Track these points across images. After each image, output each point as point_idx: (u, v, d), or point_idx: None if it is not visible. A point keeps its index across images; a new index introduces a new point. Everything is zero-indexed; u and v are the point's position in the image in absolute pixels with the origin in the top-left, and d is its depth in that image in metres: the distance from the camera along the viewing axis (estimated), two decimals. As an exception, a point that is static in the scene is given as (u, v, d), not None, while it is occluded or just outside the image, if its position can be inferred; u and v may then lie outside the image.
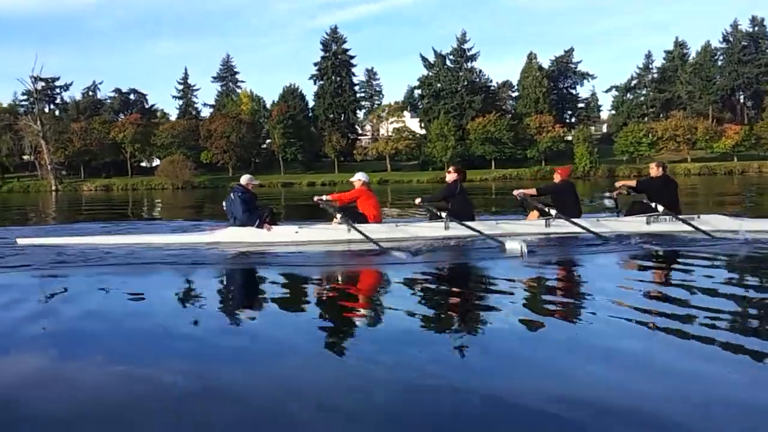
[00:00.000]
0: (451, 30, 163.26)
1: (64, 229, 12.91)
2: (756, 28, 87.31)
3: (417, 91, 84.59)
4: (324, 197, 9.37)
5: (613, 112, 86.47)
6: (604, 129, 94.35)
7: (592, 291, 5.56)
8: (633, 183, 10.17)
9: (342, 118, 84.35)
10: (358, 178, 9.85)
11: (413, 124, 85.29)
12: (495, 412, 2.87)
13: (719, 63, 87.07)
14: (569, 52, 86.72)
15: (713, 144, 74.02)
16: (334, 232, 9.12)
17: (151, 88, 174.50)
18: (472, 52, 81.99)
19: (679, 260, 7.28)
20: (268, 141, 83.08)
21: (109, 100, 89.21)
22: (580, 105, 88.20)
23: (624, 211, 9.88)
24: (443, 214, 9.14)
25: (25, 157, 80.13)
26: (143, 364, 3.60)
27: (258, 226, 9.17)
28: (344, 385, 3.22)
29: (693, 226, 8.82)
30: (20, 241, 9.24)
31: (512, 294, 5.39)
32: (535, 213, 9.84)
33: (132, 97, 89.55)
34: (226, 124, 74.60)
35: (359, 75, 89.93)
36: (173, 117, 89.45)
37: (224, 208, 9.65)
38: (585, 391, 3.08)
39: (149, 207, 28.43)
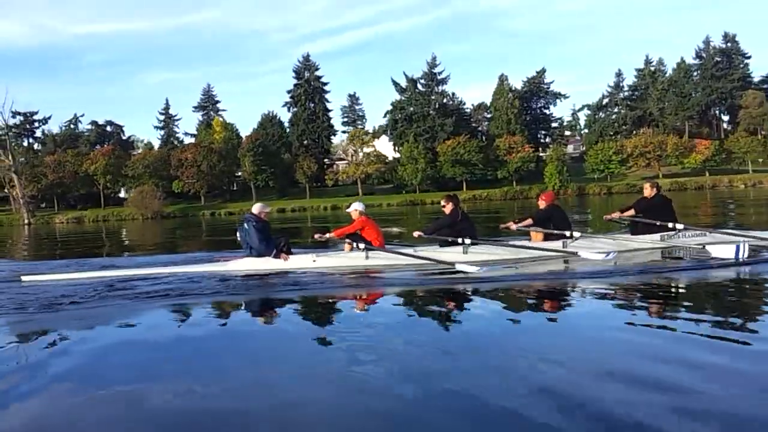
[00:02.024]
0: (442, 52, 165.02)
1: (68, 263, 12.22)
2: (728, 44, 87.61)
3: (389, 115, 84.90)
4: (327, 235, 9.21)
5: (586, 130, 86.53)
6: (583, 148, 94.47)
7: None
8: (632, 212, 9.83)
9: (316, 145, 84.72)
10: (355, 208, 9.53)
11: (391, 147, 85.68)
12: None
13: (695, 79, 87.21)
14: (541, 73, 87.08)
15: (683, 160, 73.82)
16: (352, 260, 8.78)
17: (136, 119, 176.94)
18: (443, 75, 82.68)
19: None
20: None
21: (87, 133, 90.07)
22: (554, 125, 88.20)
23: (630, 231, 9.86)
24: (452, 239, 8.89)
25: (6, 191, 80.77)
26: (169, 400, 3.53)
27: (275, 256, 8.92)
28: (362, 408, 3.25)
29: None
30: (25, 279, 8.88)
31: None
32: (538, 234, 9.59)
33: (108, 129, 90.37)
34: (197, 153, 75.07)
35: (341, 100, 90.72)
36: (157, 147, 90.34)
37: (238, 239, 9.34)
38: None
39: (122, 238, 28.09)
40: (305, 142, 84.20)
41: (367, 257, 8.68)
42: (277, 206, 72.67)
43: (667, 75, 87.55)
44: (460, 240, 8.73)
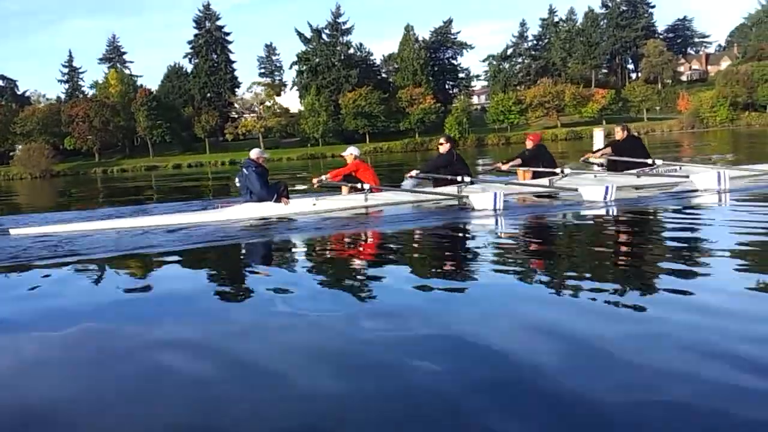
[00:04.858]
0: (367, 3, 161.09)
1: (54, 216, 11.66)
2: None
3: (295, 67, 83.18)
4: (323, 177, 9.39)
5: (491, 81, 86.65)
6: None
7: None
8: (609, 150, 10.24)
9: (219, 98, 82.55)
10: (350, 152, 9.76)
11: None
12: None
13: (602, 28, 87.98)
14: (448, 23, 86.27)
15: (581, 109, 75.00)
16: (352, 201, 9.02)
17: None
18: (347, 25, 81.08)
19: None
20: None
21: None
22: (461, 75, 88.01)
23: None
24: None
25: None
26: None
27: (276, 201, 8.97)
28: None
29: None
30: (13, 232, 8.48)
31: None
32: (527, 173, 9.99)
33: (1, 83, 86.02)
34: (88, 108, 72.26)
35: (258, 51, 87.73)
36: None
37: (237, 185, 9.40)
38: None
39: (14, 199, 26.30)
40: (207, 95, 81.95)
41: (366, 198, 8.92)
42: (172, 162, 71.24)
43: (578, 24, 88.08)
44: (459, 179, 8.98)
